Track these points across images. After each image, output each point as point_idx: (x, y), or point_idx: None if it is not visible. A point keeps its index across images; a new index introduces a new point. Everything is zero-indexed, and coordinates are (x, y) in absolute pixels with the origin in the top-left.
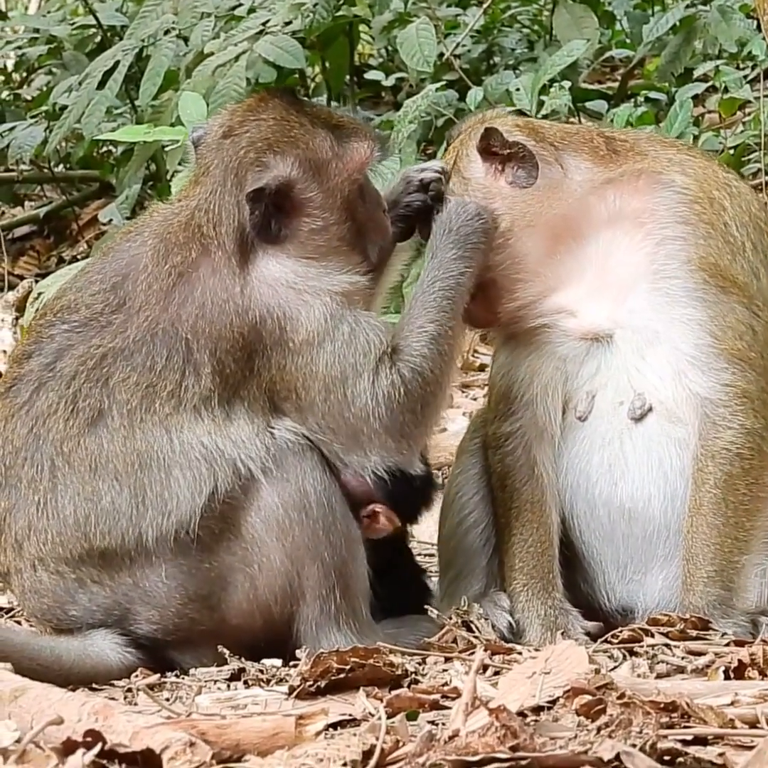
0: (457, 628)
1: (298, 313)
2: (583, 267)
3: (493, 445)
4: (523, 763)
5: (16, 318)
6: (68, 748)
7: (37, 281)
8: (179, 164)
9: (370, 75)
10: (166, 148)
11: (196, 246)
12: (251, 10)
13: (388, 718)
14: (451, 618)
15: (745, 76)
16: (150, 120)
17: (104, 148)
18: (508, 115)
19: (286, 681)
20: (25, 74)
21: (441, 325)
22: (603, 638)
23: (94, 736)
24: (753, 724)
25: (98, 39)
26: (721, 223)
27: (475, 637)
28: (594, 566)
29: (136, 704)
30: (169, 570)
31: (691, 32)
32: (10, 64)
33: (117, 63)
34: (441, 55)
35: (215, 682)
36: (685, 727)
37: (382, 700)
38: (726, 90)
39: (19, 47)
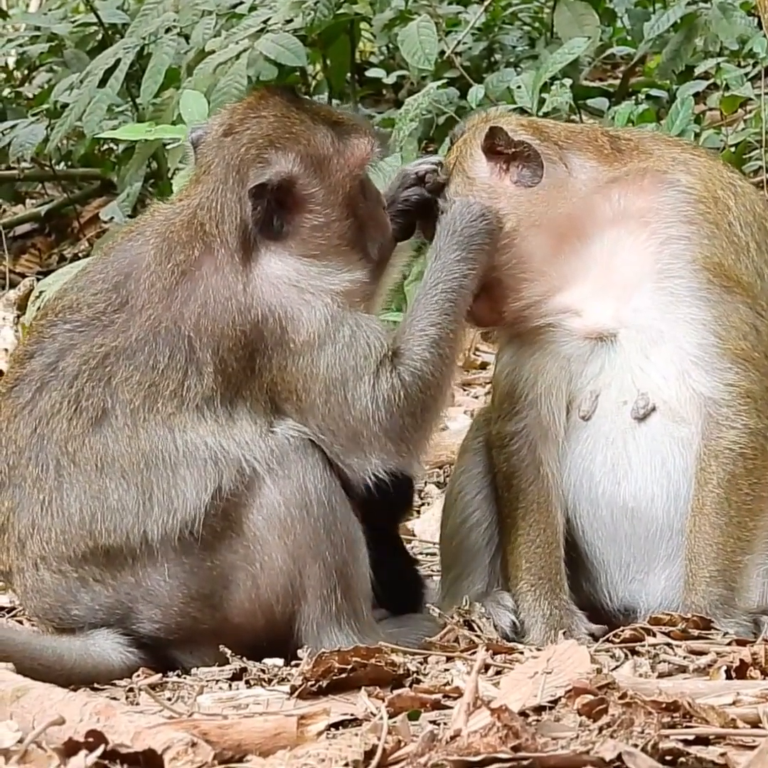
0: (458, 628)
1: (299, 313)
2: (588, 266)
3: (497, 444)
4: (525, 763)
5: (18, 316)
6: (70, 748)
7: (38, 279)
8: (180, 162)
9: (371, 73)
10: (168, 147)
11: (199, 244)
12: (252, 8)
13: (390, 717)
14: (452, 617)
15: (746, 74)
16: (151, 118)
17: (105, 146)
18: (512, 114)
19: (288, 681)
20: (26, 72)
21: (442, 328)
22: (605, 638)
23: (96, 737)
24: (755, 723)
25: (99, 37)
26: (726, 223)
27: (477, 637)
28: (597, 566)
29: (137, 704)
30: (172, 569)
31: (692, 30)
32: (11, 62)
33: (118, 61)
34: (442, 52)
35: (217, 681)
36: (686, 726)
37: (383, 700)
38: (727, 87)
39: (21, 45)
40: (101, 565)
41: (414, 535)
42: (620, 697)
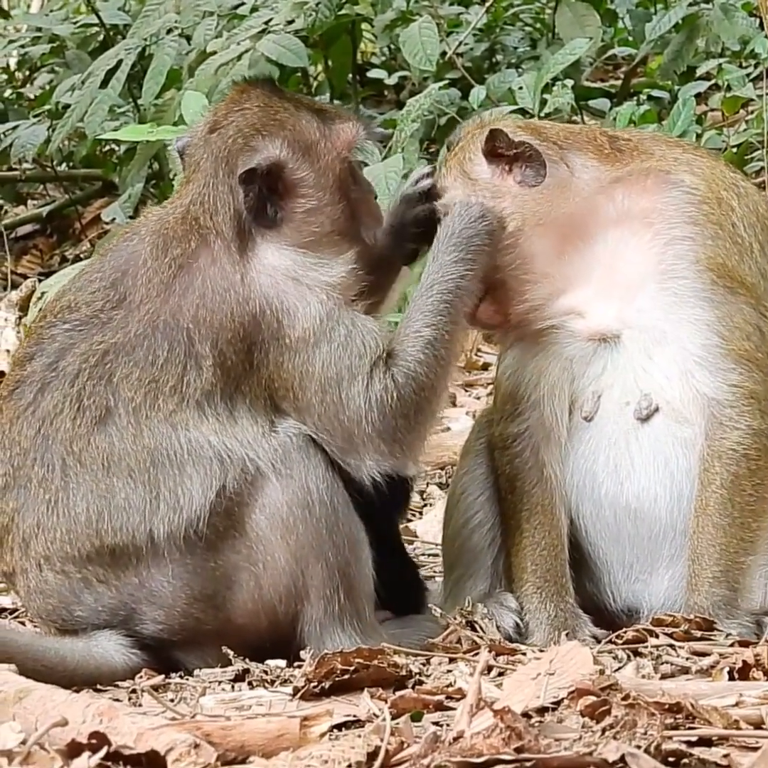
0: (461, 629)
1: (295, 307)
2: (592, 267)
3: (500, 446)
4: (528, 764)
5: (20, 317)
6: (73, 749)
7: (40, 280)
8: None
9: (373, 73)
10: (169, 147)
11: (195, 237)
12: (254, 9)
13: (393, 719)
14: (455, 618)
15: (748, 74)
16: (153, 119)
17: (107, 147)
18: (508, 117)
19: (291, 682)
20: (27, 73)
21: (438, 329)
22: (607, 639)
23: (98, 738)
24: (758, 725)
25: (101, 38)
26: (730, 224)
27: (480, 638)
28: (600, 566)
29: (140, 705)
30: (175, 569)
31: (693, 30)
32: (12, 63)
33: (120, 62)
34: (443, 53)
35: (220, 683)
36: (689, 728)
37: (386, 701)
38: (729, 88)
39: (22, 46)
40: (105, 566)
41: (416, 537)
42: (623, 699)
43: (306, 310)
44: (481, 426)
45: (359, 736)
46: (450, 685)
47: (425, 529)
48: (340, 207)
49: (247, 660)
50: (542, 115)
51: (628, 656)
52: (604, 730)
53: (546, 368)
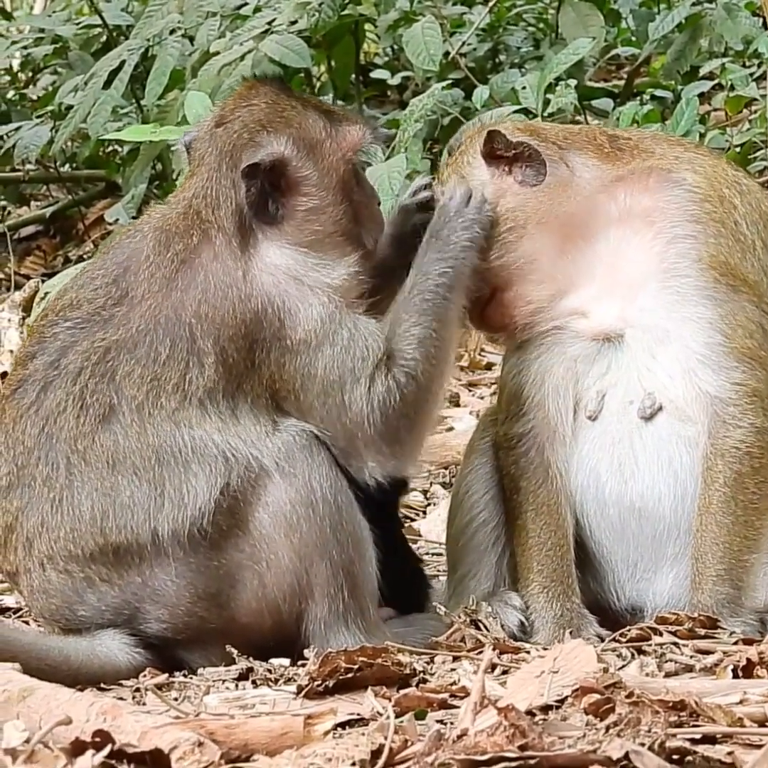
0: (465, 627)
1: (296, 308)
2: (594, 266)
3: (504, 446)
4: (532, 762)
5: (23, 318)
6: (77, 748)
7: (43, 281)
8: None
9: (376, 74)
10: (172, 148)
11: (197, 232)
12: (257, 10)
13: (397, 717)
14: (459, 617)
15: (751, 74)
16: (156, 119)
17: (110, 148)
18: (507, 119)
19: (295, 680)
20: (30, 74)
21: (425, 328)
22: (612, 637)
23: (102, 736)
24: (762, 722)
25: (104, 39)
26: (732, 222)
27: (484, 636)
28: (604, 565)
29: (144, 704)
30: (179, 568)
31: (696, 30)
32: (15, 64)
33: (123, 62)
34: (447, 53)
35: (223, 681)
36: (693, 725)
37: (390, 700)
38: (732, 88)
39: (25, 47)
40: (108, 565)
41: (420, 536)
42: (627, 696)
43: (307, 311)
44: (485, 425)
45: (363, 734)
46: (454, 683)
47: (429, 528)
48: (343, 208)
49: (251, 659)
50: (545, 115)
51: (632, 654)
52: (608, 728)
53: (550, 368)
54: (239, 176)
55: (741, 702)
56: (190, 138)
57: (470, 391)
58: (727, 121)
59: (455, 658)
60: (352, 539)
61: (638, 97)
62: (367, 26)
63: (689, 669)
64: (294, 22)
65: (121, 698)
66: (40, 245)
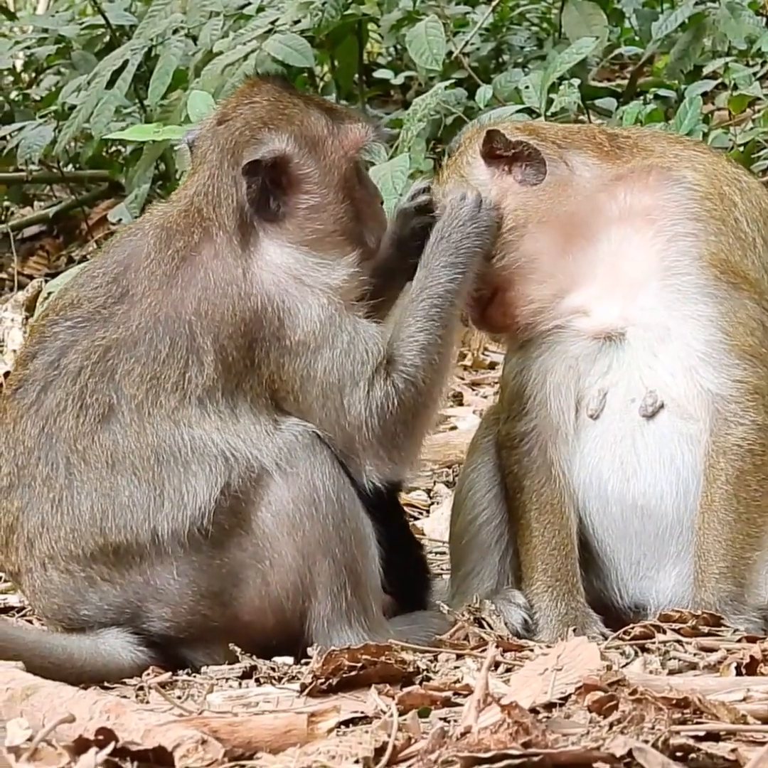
0: (469, 625)
1: (296, 308)
2: (595, 266)
3: (507, 445)
4: (535, 759)
5: (26, 318)
6: (80, 746)
7: (46, 281)
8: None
9: (379, 73)
10: (175, 148)
11: (198, 230)
12: (260, 9)
13: (400, 715)
14: (463, 615)
15: (755, 73)
16: (159, 119)
17: (113, 148)
18: (505, 120)
19: (298, 679)
20: (33, 74)
21: (430, 333)
22: (615, 635)
23: (106, 734)
24: (765, 719)
25: (107, 39)
26: (732, 219)
27: (487, 634)
28: (607, 563)
29: (147, 702)
30: (181, 567)
31: (700, 29)
32: (19, 64)
33: (126, 62)
34: (450, 53)
35: (227, 680)
36: (697, 723)
37: (393, 698)
38: (735, 87)
39: (28, 47)
40: (110, 564)
41: (423, 534)
42: (630, 694)
43: (307, 312)
44: (488, 423)
45: (366, 732)
46: (457, 681)
47: (432, 527)
48: (344, 206)
49: (254, 657)
50: (549, 114)
51: (636, 652)
52: (611, 725)
53: (551, 367)
54: (240, 173)
55: (744, 699)
56: (193, 136)
57: (473, 390)
58: (731, 120)
59: (459, 656)
60: (355, 537)
61: (641, 97)
62: (371, 26)
63: (693, 666)
64: (297, 22)
65: (124, 696)
66: (43, 245)
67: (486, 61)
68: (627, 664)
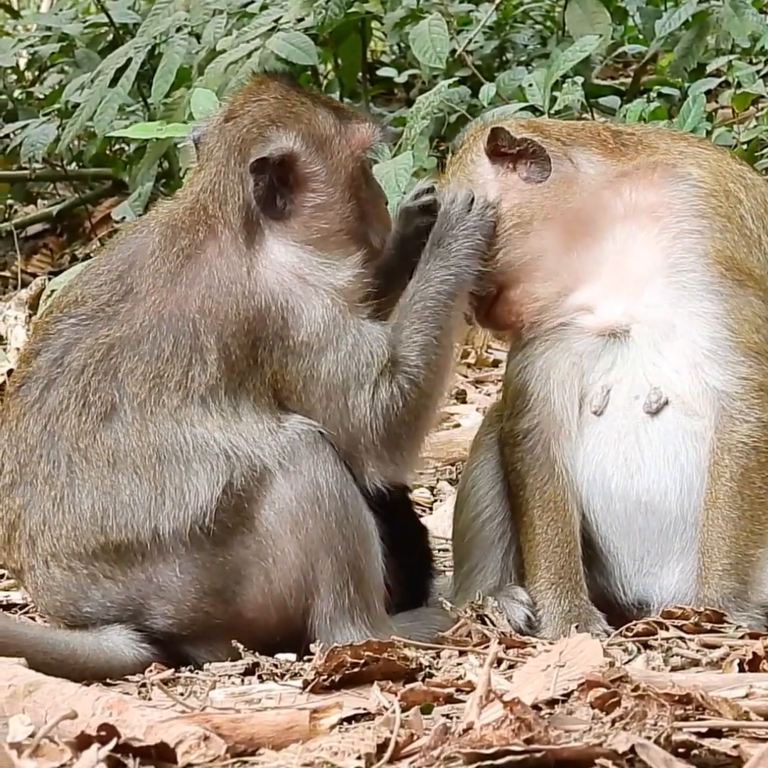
0: (471, 622)
1: (300, 308)
2: (600, 263)
3: (510, 442)
4: (538, 755)
5: (30, 315)
6: (82, 742)
7: (50, 279)
8: (191, 161)
9: (383, 72)
10: (179, 146)
11: (203, 227)
12: (263, 7)
13: (403, 711)
14: (465, 612)
15: (758, 71)
16: (162, 117)
17: (117, 146)
18: (509, 117)
19: (301, 675)
20: (37, 72)
21: (426, 335)
22: (617, 631)
23: (108, 730)
24: (767, 716)
25: (110, 37)
26: (737, 216)
27: (490, 631)
28: (610, 560)
29: (150, 699)
30: (184, 564)
31: (703, 27)
32: (22, 63)
33: (129, 60)
34: (453, 51)
35: (229, 676)
36: (699, 719)
37: (396, 694)
38: (739, 85)
39: (32, 45)
40: (111, 562)
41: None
42: (633, 690)
43: (311, 312)
44: (492, 420)
45: (369, 728)
46: (460, 677)
47: (435, 524)
48: (350, 206)
49: (256, 654)
50: (552, 112)
51: (638, 649)
52: (614, 722)
53: (555, 364)
54: (247, 171)
55: (747, 696)
56: (198, 133)
57: (477, 387)
58: (734, 118)
59: (461, 653)
60: (357, 534)
61: (645, 95)
62: (374, 24)
63: (695, 663)
64: (301, 20)
65: (127, 693)
66: (46, 243)
67: (489, 59)
68: (630, 660)
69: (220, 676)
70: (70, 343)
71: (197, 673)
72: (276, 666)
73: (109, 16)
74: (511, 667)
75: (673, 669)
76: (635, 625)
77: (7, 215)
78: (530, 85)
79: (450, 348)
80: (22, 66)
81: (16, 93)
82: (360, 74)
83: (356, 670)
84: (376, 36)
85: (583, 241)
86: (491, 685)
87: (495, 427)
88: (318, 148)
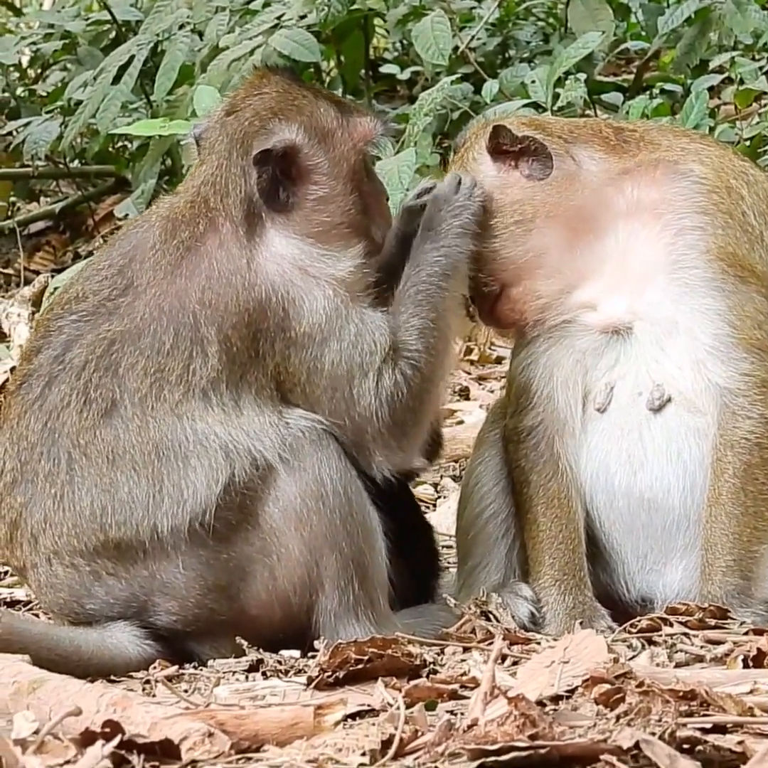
0: (475, 618)
1: (301, 299)
2: (602, 260)
3: (514, 439)
4: (542, 751)
5: (33, 313)
6: (87, 739)
7: (52, 276)
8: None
9: (385, 68)
10: (182, 143)
11: (203, 220)
12: (266, 4)
13: (407, 708)
14: (470, 608)
15: (761, 68)
16: (165, 114)
17: (120, 143)
18: (510, 115)
19: (305, 672)
20: (40, 70)
21: (422, 318)
22: (621, 628)
23: (112, 727)
24: None
25: (113, 34)
26: (739, 213)
27: (494, 627)
28: (614, 557)
29: (154, 696)
30: (188, 561)
31: (706, 24)
32: (25, 60)
33: (132, 58)
34: (456, 48)
35: (234, 673)
36: (704, 715)
37: (400, 691)
38: (741, 81)
39: (34, 43)
40: (113, 559)
41: None
42: (637, 686)
43: (312, 304)
44: (495, 416)
45: (373, 724)
46: (464, 674)
47: (439, 520)
48: (352, 199)
49: (261, 650)
50: (555, 109)
51: (643, 645)
52: (618, 718)
53: (559, 361)
54: (250, 163)
55: (751, 691)
56: (200, 130)
57: (480, 384)
58: (737, 114)
59: (465, 649)
60: (362, 531)
61: (648, 91)
62: (376, 21)
63: (699, 659)
64: (303, 17)
65: (131, 690)
66: (49, 241)
67: (492, 56)
68: (634, 656)
69: (224, 672)
70: (71, 340)
71: (201, 669)
72: (280, 662)
73: (111, 13)
74: (515, 663)
75: (678, 665)
76: (639, 621)
77: (10, 212)
78: (533, 81)
79: (448, 330)
80: (24, 63)
81: (19, 90)
82: (363, 71)
83: (360, 666)
84: (378, 33)
85: (586, 239)
86: (495, 681)
87: (498, 424)
88: (320, 140)
